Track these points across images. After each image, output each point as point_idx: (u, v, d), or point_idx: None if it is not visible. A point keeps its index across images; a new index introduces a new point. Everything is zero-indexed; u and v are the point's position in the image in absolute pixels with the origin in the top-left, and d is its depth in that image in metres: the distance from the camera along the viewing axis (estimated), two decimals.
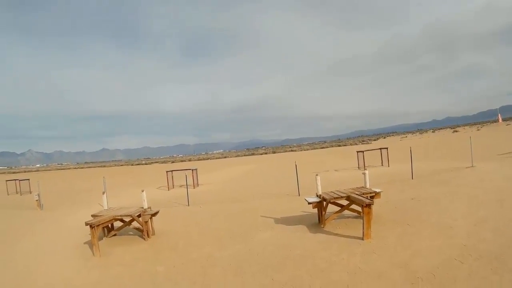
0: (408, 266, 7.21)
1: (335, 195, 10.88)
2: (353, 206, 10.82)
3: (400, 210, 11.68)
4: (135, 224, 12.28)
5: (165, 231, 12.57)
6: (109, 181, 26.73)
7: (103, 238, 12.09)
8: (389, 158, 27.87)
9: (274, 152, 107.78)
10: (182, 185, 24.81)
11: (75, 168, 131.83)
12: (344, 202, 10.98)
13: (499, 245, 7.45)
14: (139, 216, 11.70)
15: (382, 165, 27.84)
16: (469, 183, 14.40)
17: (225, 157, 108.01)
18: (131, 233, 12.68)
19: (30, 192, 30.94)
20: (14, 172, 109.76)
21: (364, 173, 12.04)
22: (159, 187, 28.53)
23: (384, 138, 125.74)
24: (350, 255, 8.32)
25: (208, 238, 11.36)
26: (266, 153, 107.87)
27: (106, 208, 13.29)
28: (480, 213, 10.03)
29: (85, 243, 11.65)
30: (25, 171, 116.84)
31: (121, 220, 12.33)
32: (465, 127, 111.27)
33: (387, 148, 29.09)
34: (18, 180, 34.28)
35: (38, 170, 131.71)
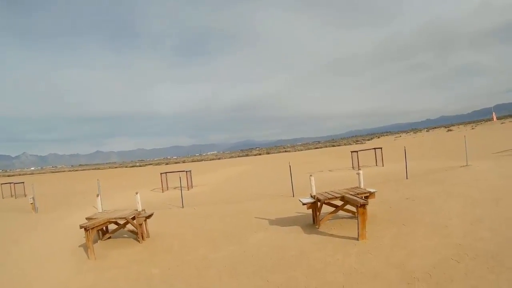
0: (404, 266, 7.15)
1: (330, 196, 10.82)
2: (348, 207, 10.77)
3: (395, 210, 11.64)
4: (129, 226, 12.23)
5: (160, 233, 12.48)
6: (104, 183, 26.53)
7: (98, 241, 12.03)
8: (383, 158, 27.89)
9: (268, 153, 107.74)
10: (176, 187, 24.66)
11: (70, 170, 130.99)
12: (339, 203, 10.93)
13: (496, 244, 7.41)
14: (133, 218, 11.68)
15: (376, 165, 27.85)
16: (464, 182, 14.39)
17: (219, 158, 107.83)
18: (125, 235, 12.61)
19: (25, 195, 30.70)
20: (9, 175, 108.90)
21: (358, 173, 12.00)
22: (153, 189, 28.36)
23: (378, 137, 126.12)
24: (345, 255, 8.25)
25: (203, 240, 11.29)
26: (260, 154, 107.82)
27: (101, 210, 13.21)
28: (476, 212, 10.00)
29: (80, 246, 11.60)
30: (19, 174, 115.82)
31: (116, 223, 12.26)
32: (460, 126, 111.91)
33: (381, 148, 29.11)
34: (12, 183, 34.07)
35: (32, 173, 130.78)
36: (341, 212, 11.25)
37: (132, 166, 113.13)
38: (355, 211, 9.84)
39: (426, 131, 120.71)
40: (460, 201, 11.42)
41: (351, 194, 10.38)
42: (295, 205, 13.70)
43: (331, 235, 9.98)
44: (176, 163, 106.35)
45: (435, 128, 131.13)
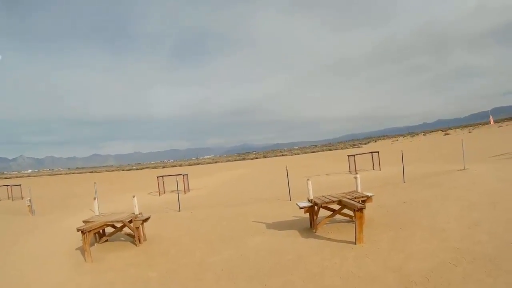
0: (402, 270, 7.13)
1: (327, 200, 10.81)
2: (345, 211, 10.76)
3: (392, 214, 11.63)
4: (126, 230, 12.18)
5: (157, 237, 12.43)
6: (100, 186, 26.46)
7: (95, 244, 11.98)
8: (380, 162, 27.92)
9: (264, 157, 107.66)
10: (173, 191, 24.59)
11: (67, 173, 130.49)
12: (336, 207, 10.91)
13: (493, 248, 7.40)
14: (130, 221, 11.63)
15: (373, 169, 27.85)
16: (461, 186, 14.40)
17: (215, 162, 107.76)
18: (122, 238, 12.55)
19: (22, 198, 30.66)
20: (5, 178, 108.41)
21: (355, 177, 11.99)
22: (150, 192, 28.27)
23: (375, 141, 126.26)
24: (343, 259, 8.23)
25: (200, 243, 11.25)
26: (256, 158, 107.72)
27: (98, 213, 13.14)
28: (473, 215, 10.00)
29: (77, 249, 11.55)
30: (16, 177, 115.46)
31: (113, 226, 12.22)
32: (457, 129, 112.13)
33: (378, 152, 29.15)
34: (9, 186, 33.97)
35: (29, 176, 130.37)
36: (338, 216, 11.24)
37: (129, 170, 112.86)
38: (353, 215, 9.82)
39: (423, 134, 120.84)
40: (457, 205, 11.42)
41: (348, 198, 10.38)
42: (292, 209, 13.66)
43: (329, 239, 9.96)
44: (173, 166, 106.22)
45: (432, 131, 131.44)
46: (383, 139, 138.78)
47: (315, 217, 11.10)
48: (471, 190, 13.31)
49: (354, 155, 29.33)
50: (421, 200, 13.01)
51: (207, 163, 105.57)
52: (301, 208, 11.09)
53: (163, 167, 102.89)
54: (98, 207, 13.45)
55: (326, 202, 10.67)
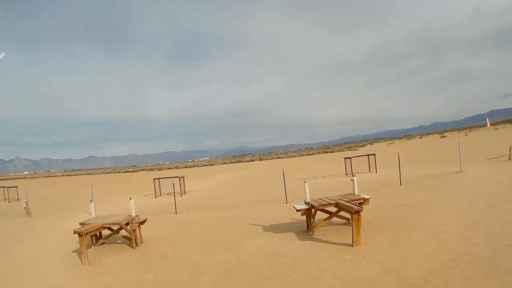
0: (400, 272, 7.10)
1: (324, 202, 10.78)
2: (342, 213, 10.74)
3: (389, 216, 11.62)
4: (123, 232, 12.09)
5: (153, 239, 12.37)
6: (97, 188, 26.32)
7: (92, 247, 11.92)
8: (377, 164, 27.94)
9: (260, 159, 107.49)
10: (169, 193, 24.48)
11: (63, 175, 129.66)
12: (333, 209, 10.90)
13: (491, 250, 7.39)
14: (127, 224, 11.60)
15: (369, 172, 27.88)
16: (458, 188, 14.43)
17: (211, 164, 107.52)
18: (119, 241, 12.47)
19: (18, 200, 30.40)
20: (2, 179, 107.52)
21: (352, 180, 11.96)
22: (146, 194, 28.15)
23: (371, 144, 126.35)
24: (340, 262, 8.20)
25: (197, 246, 11.19)
26: (252, 160, 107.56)
27: (94, 216, 13.07)
28: (471, 217, 10.00)
29: (73, 251, 11.46)
30: (13, 178, 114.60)
31: (109, 229, 12.13)
32: (453, 132, 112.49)
33: (374, 154, 29.17)
34: (6, 187, 33.74)
35: (26, 177, 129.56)
36: (335, 219, 11.21)
37: (124, 172, 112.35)
38: (350, 217, 9.81)
39: (419, 137, 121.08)
40: (454, 207, 11.43)
41: (346, 201, 10.36)
42: (289, 211, 13.64)
43: (326, 241, 9.93)
44: (169, 168, 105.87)
45: (428, 134, 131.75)
46: (379, 141, 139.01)
47: (312, 220, 11.06)
48: (468, 192, 13.34)
49: (350, 158, 29.33)
50: (418, 202, 13.03)
51: (203, 166, 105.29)
52: (298, 210, 11.05)
53: (159, 169, 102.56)
54: (95, 209, 13.38)
55: (323, 205, 10.64)
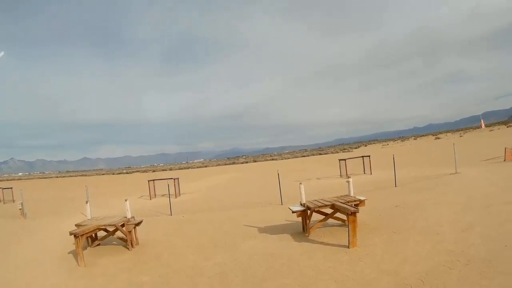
0: (397, 273, 7.07)
1: (320, 204, 10.73)
2: (338, 215, 10.70)
3: (385, 218, 11.62)
4: (119, 233, 11.99)
5: (149, 241, 12.27)
6: (91, 190, 26.17)
7: (87, 248, 11.82)
8: (371, 166, 28.00)
9: (255, 161, 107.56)
10: (164, 194, 24.40)
11: (57, 177, 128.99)
12: (329, 211, 10.85)
13: (488, 250, 7.39)
14: (122, 225, 11.51)
15: (364, 173, 27.95)
16: (453, 190, 14.47)
17: (206, 166, 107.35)
18: (115, 242, 12.39)
19: (13, 201, 30.44)
20: None
21: (348, 181, 11.93)
22: (141, 196, 28.05)
23: (365, 146, 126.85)
24: (337, 263, 8.15)
25: (192, 248, 11.11)
26: (246, 162, 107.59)
27: (90, 217, 12.96)
28: (467, 219, 10.01)
29: (69, 252, 11.38)
30: (7, 180, 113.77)
31: (105, 230, 12.05)
32: (448, 133, 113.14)
33: (369, 156, 29.25)
34: (1, 189, 33.78)
35: (20, 179, 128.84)
36: (330, 220, 11.18)
37: (119, 173, 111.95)
38: (345, 219, 9.77)
39: (414, 139, 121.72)
40: (450, 208, 11.45)
41: (341, 202, 10.32)
42: (284, 213, 13.60)
43: (322, 243, 9.89)
44: (163, 170, 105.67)
45: (423, 136, 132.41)
46: (374, 143, 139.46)
47: (308, 221, 11.01)
48: (463, 194, 13.38)
49: (345, 159, 29.39)
50: (414, 204, 13.04)
51: (197, 167, 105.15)
52: (294, 212, 11.01)
53: (153, 171, 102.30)
54: (90, 211, 13.28)
55: (319, 206, 10.59)
